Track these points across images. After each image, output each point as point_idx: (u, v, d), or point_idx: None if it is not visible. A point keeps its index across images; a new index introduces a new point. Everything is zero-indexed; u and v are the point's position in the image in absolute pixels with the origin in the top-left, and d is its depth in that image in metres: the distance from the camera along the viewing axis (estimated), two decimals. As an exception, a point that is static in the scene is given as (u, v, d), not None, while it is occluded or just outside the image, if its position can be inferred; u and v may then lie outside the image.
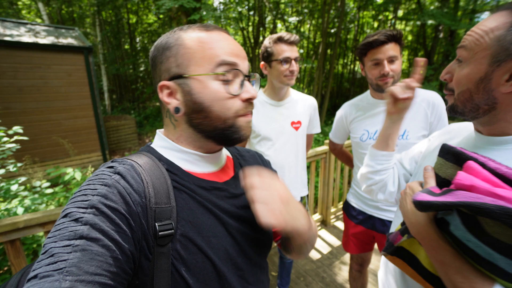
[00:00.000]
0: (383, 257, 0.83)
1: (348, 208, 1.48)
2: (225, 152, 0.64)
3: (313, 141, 1.65)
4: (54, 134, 5.75)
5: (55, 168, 2.63)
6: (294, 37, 1.26)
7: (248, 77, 0.53)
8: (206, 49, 0.48)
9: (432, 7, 10.26)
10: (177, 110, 0.50)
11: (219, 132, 0.51)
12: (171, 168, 0.51)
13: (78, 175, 3.19)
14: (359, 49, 1.21)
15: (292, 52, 1.27)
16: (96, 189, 0.41)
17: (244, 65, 0.51)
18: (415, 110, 1.19)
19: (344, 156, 1.64)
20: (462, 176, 0.45)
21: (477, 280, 0.43)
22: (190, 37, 0.49)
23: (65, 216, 0.38)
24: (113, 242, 0.37)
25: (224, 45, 0.49)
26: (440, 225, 0.50)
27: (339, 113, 1.46)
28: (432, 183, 0.54)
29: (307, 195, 1.67)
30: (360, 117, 1.33)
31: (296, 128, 1.43)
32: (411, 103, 0.79)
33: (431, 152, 0.74)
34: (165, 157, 0.53)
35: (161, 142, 0.55)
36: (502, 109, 0.53)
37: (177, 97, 0.50)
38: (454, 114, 0.61)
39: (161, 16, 13.85)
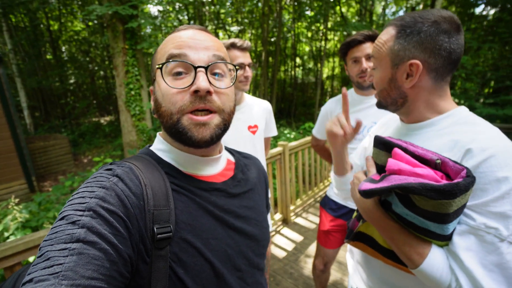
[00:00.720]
0: (350, 247, 0.93)
1: (328, 203, 1.52)
2: (226, 156, 0.64)
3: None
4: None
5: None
6: (247, 43, 1.30)
7: (205, 68, 0.47)
8: (162, 49, 0.50)
9: (354, 20, 11.84)
10: (153, 111, 0.53)
11: (170, 130, 0.49)
12: (170, 171, 0.51)
13: (-7, 211, 2.63)
14: (340, 49, 1.32)
15: (245, 58, 1.30)
16: (93, 192, 0.40)
17: (198, 55, 0.47)
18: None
19: (325, 153, 1.69)
20: (391, 163, 0.55)
21: (419, 246, 0.55)
22: (168, 38, 0.52)
23: (62, 218, 0.37)
24: (110, 246, 0.36)
25: (177, 39, 0.48)
26: (384, 206, 0.61)
27: (323, 109, 1.52)
28: (373, 171, 0.65)
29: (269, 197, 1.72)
30: None
31: (253, 132, 1.48)
32: (352, 135, 0.77)
33: (371, 145, 0.84)
34: (164, 160, 0.53)
35: (160, 145, 0.55)
36: (411, 100, 0.66)
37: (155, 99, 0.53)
38: (381, 107, 0.73)
39: (90, 23, 12.58)
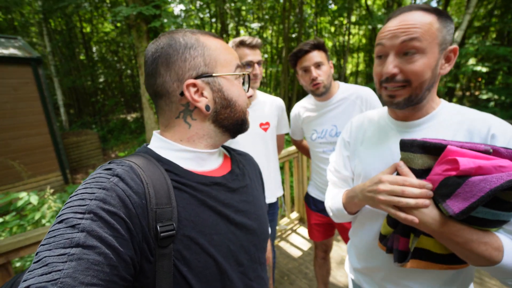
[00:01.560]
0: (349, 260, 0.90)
1: (308, 199, 1.59)
2: (222, 151, 0.66)
3: (284, 141, 1.70)
4: (1, 156, 5.14)
5: (4, 194, 2.35)
6: (256, 40, 1.29)
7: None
8: (226, 53, 0.54)
9: (380, 13, 11.26)
10: (207, 107, 0.52)
11: (239, 123, 0.57)
12: (171, 168, 0.50)
13: (34, 199, 2.87)
14: (289, 60, 1.34)
15: (254, 55, 1.29)
16: (94, 193, 0.39)
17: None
18: (351, 108, 1.33)
19: (305, 149, 1.76)
20: (464, 162, 0.48)
21: (492, 240, 0.52)
22: (208, 40, 0.53)
23: (60, 222, 0.36)
24: (110, 249, 0.36)
25: (233, 51, 0.58)
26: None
27: (292, 113, 1.60)
28: (413, 177, 0.58)
29: (283, 195, 1.72)
30: (309, 118, 1.47)
31: (265, 129, 1.46)
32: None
33: (362, 149, 0.79)
34: (164, 157, 0.52)
35: (159, 143, 0.54)
36: (433, 90, 0.64)
37: (205, 95, 0.52)
38: (407, 106, 0.64)
39: (118, 24, 13.24)
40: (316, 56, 1.26)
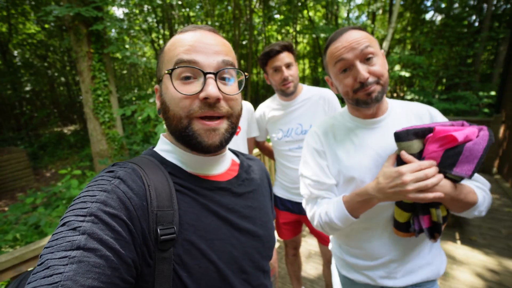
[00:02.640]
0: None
1: (275, 200, 1.61)
2: (230, 156, 0.63)
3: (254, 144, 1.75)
4: None
5: None
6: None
7: (214, 74, 0.47)
8: (171, 51, 0.49)
9: (321, 24, 12.40)
10: (159, 111, 0.53)
11: (180, 134, 0.48)
12: (174, 171, 0.50)
13: None
14: (260, 59, 1.38)
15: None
16: (95, 196, 0.39)
17: (208, 61, 0.47)
18: (315, 107, 1.42)
19: (266, 150, 1.79)
20: (457, 135, 0.59)
21: (470, 188, 0.67)
22: (175, 38, 0.51)
23: (63, 225, 0.36)
24: (112, 251, 0.36)
25: (187, 43, 0.48)
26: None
27: (257, 114, 1.62)
28: (416, 161, 0.64)
29: None
30: (274, 118, 1.51)
31: (236, 133, 1.50)
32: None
33: (340, 153, 0.82)
34: (168, 160, 0.52)
35: (164, 145, 0.54)
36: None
37: (159, 99, 0.53)
38: (380, 99, 0.72)
39: (46, 26, 11.63)
40: (287, 57, 1.32)
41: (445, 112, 6.17)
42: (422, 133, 0.65)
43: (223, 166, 0.58)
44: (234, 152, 0.69)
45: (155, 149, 0.55)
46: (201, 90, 0.46)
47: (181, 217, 0.45)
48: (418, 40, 9.43)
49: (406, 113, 0.81)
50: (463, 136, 0.59)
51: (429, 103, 6.70)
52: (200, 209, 0.48)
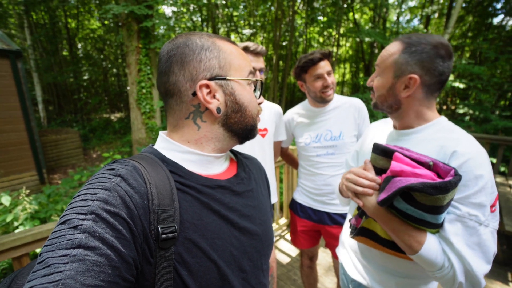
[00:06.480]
0: (342, 240, 1.02)
1: (295, 206, 1.59)
2: (228, 154, 0.65)
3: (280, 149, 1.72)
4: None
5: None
6: (261, 48, 1.29)
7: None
8: (241, 58, 0.55)
9: (367, 27, 11.76)
10: (219, 110, 0.52)
11: (248, 129, 0.57)
12: (175, 169, 0.50)
13: (5, 200, 2.68)
14: (300, 67, 1.38)
15: (257, 62, 1.29)
16: (96, 194, 0.39)
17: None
18: (345, 115, 1.43)
19: (289, 158, 1.77)
20: (394, 165, 0.64)
21: (417, 234, 0.64)
22: (224, 44, 0.54)
23: (63, 222, 0.36)
24: (112, 250, 0.36)
25: (247, 57, 0.58)
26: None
27: (285, 119, 1.60)
28: (372, 172, 0.73)
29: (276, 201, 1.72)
30: (303, 123, 1.52)
31: (263, 135, 1.47)
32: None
33: (365, 151, 0.96)
34: (169, 158, 0.52)
35: (165, 143, 0.54)
36: (404, 108, 0.77)
37: (218, 97, 0.51)
38: (377, 109, 0.84)
39: (106, 22, 12.91)
40: (328, 65, 1.35)
41: (506, 131, 5.41)
42: (388, 153, 0.69)
43: (223, 165, 0.59)
44: (231, 150, 0.69)
45: (155, 147, 0.55)
46: (259, 97, 0.61)
47: (182, 216, 0.45)
48: (480, 48, 8.37)
49: (434, 139, 0.79)
50: (398, 169, 0.63)
51: (486, 119, 5.93)
52: (201, 207, 0.48)
